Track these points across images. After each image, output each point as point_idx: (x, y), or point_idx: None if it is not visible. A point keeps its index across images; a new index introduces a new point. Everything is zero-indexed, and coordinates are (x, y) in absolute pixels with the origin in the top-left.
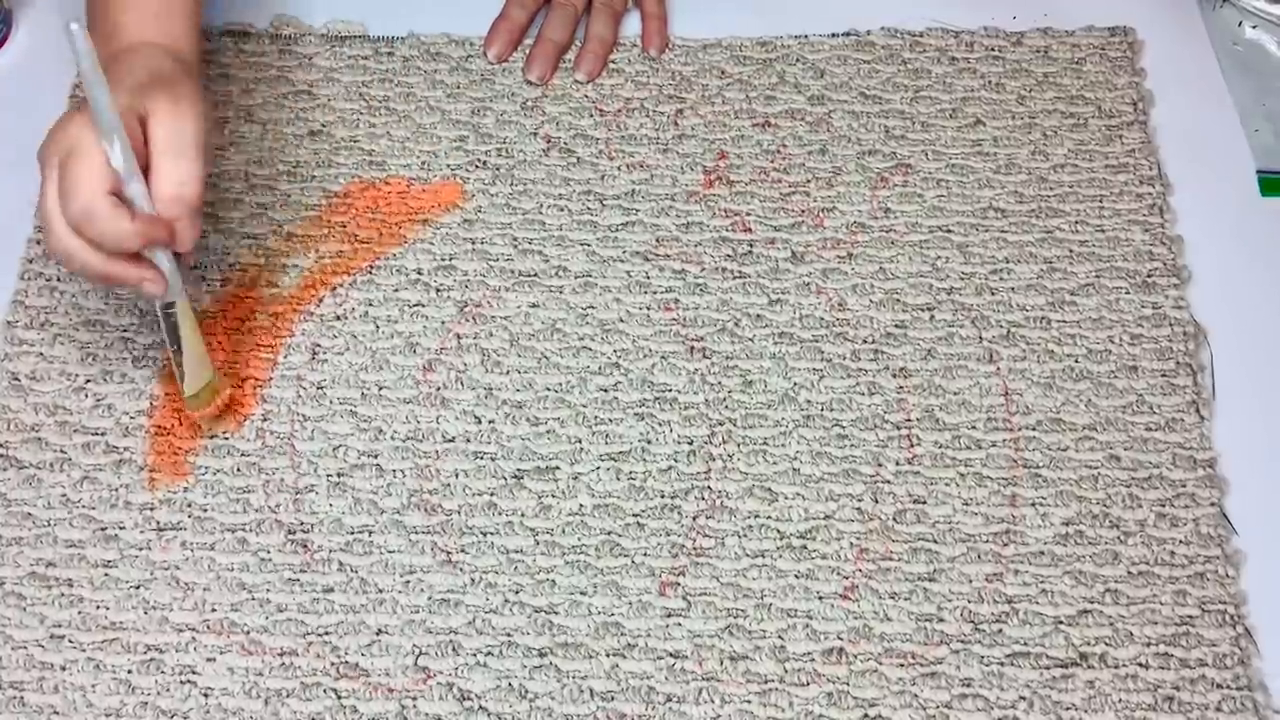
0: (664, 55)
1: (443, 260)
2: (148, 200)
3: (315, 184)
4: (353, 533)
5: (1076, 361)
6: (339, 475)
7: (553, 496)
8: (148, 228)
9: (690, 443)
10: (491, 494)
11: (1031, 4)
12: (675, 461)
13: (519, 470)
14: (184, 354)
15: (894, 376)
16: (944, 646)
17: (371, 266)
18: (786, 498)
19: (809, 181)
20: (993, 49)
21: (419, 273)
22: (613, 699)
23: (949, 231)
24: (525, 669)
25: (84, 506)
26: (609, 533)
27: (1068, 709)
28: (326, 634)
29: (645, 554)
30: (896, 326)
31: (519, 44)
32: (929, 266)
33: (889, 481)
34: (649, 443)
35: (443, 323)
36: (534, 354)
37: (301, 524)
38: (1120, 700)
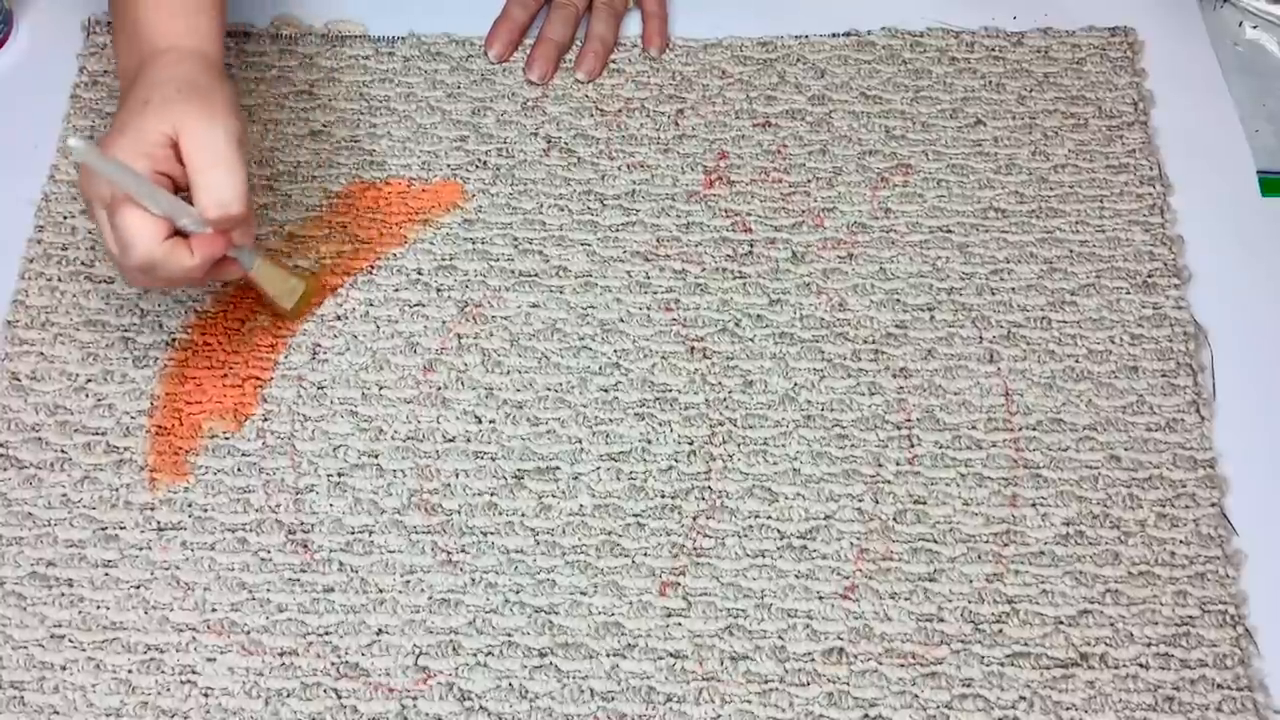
0: (665, 55)
1: (443, 260)
2: (200, 221)
3: (316, 184)
4: (353, 533)
5: (1077, 362)
6: (339, 475)
7: (553, 496)
8: (208, 253)
9: (690, 443)
10: (492, 494)
11: (1032, 4)
12: (675, 461)
13: (519, 470)
14: (271, 288)
15: (894, 377)
16: (944, 647)
17: (372, 266)
18: (787, 498)
19: (809, 181)
20: (993, 49)
21: (419, 273)
22: (613, 699)
23: (949, 232)
24: (525, 669)
25: (84, 506)
26: (609, 533)
27: (1068, 709)
28: (327, 634)
29: (645, 554)
30: (897, 326)
31: (520, 44)
32: (929, 266)
33: (889, 482)
34: (649, 443)
35: (443, 323)
36: (534, 354)
37: (302, 524)
38: (1120, 700)
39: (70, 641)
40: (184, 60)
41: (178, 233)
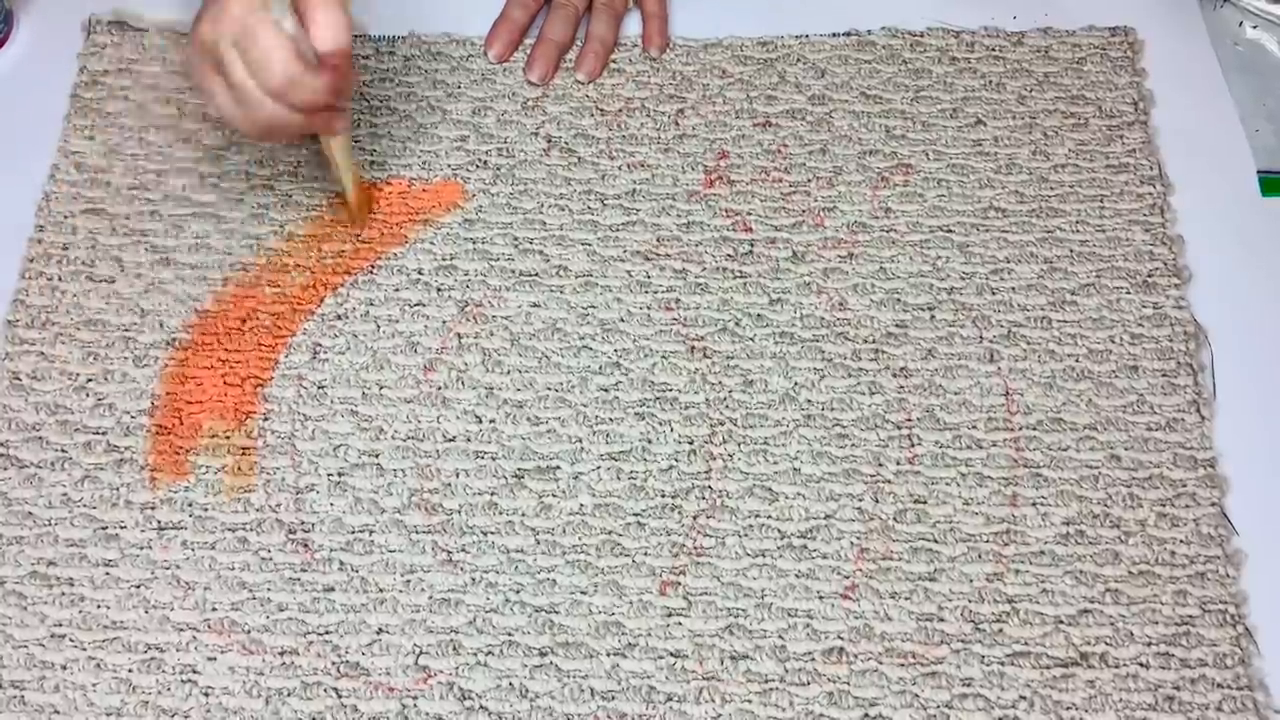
0: (665, 55)
1: (444, 260)
2: (315, 54)
3: (317, 184)
4: (353, 532)
5: (1077, 361)
6: (340, 475)
7: (553, 496)
8: (336, 76)
9: (691, 442)
10: (492, 493)
11: (1032, 4)
12: (676, 461)
13: (519, 470)
14: (347, 172)
15: (894, 376)
16: (944, 646)
17: (372, 266)
18: (787, 497)
19: (810, 181)
20: (993, 49)
21: (420, 272)
22: (613, 698)
23: (950, 231)
24: (526, 668)
25: (85, 506)
26: (609, 532)
27: (1068, 709)
28: (327, 633)
29: (646, 554)
30: (897, 326)
31: (520, 44)
32: (930, 266)
33: (889, 481)
34: (649, 442)
35: (443, 322)
36: (535, 353)
37: (302, 523)
38: (1121, 700)
39: (70, 641)
40: None
41: None
